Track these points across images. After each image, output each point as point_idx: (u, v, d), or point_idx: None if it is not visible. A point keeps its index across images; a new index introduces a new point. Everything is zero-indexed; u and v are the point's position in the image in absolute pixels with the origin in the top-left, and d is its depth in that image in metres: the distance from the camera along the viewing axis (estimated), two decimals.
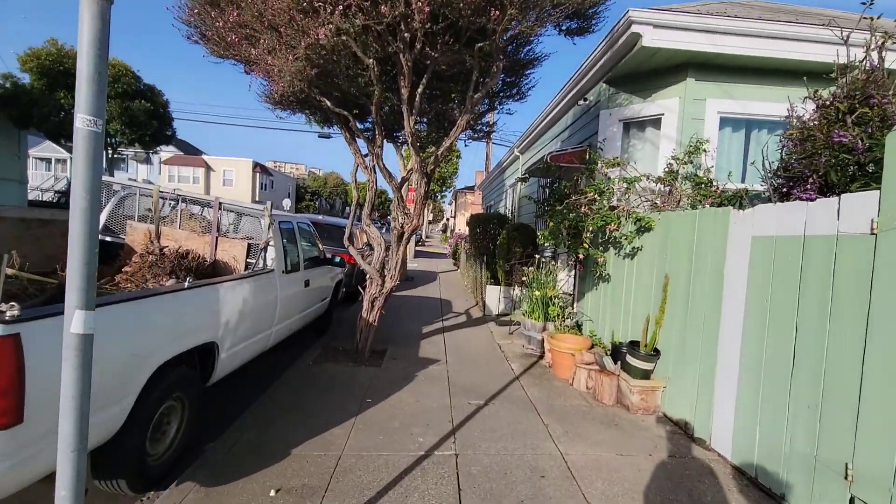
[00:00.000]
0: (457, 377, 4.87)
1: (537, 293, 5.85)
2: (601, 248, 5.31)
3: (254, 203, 6.73)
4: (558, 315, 5.68)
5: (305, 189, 58.56)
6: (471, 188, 46.32)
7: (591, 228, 4.93)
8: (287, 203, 38.40)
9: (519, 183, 11.57)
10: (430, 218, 53.97)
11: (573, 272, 6.74)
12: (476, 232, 10.05)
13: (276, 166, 79.78)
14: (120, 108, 16.44)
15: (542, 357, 5.75)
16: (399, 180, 5.28)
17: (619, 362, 4.46)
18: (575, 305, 6.56)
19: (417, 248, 29.40)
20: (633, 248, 4.83)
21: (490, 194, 18.40)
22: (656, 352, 4.15)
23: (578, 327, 5.99)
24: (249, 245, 4.42)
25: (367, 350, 5.37)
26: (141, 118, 16.82)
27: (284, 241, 4.86)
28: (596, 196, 5.06)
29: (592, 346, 5.11)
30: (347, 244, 5.56)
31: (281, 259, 4.59)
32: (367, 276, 5.32)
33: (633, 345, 4.30)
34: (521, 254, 8.24)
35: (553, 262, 7.55)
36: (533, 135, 9.96)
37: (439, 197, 43.18)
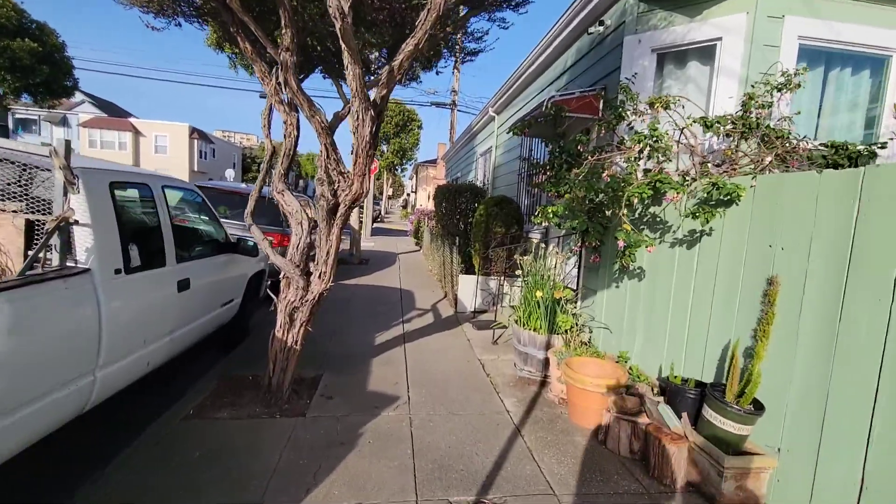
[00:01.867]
0: (426, 435, 3.08)
1: (539, 294, 4.10)
2: (642, 230, 3.59)
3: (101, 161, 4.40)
4: (572, 328, 3.97)
5: (253, 160, 54.13)
6: (433, 162, 44.01)
7: (633, 201, 3.19)
8: (230, 174, 34.76)
9: (494, 149, 9.74)
10: (390, 192, 51.43)
11: (577, 260, 5.04)
12: (443, 208, 8.18)
13: (224, 136, 73.55)
14: None
15: (544, 384, 4.06)
16: (330, 119, 3.30)
17: (682, 415, 2.81)
18: (579, 305, 4.88)
19: (375, 226, 27.18)
20: (693, 232, 3.15)
21: (456, 166, 16.48)
22: (757, 406, 2.51)
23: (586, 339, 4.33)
24: (33, 224, 2.35)
25: (286, 385, 3.48)
26: (25, 61, 13.44)
27: (126, 216, 2.82)
28: (643, 149, 3.31)
29: (625, 380, 3.43)
30: (249, 221, 3.57)
31: (112, 249, 2.56)
32: (282, 275, 3.37)
33: (717, 390, 2.64)
34: (502, 235, 6.47)
35: (544, 247, 5.84)
36: (514, 87, 8.09)
37: (399, 170, 40.73)
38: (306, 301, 3.29)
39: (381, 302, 7.00)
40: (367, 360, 4.48)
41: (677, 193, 2.94)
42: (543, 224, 4.23)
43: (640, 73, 4.29)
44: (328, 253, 3.20)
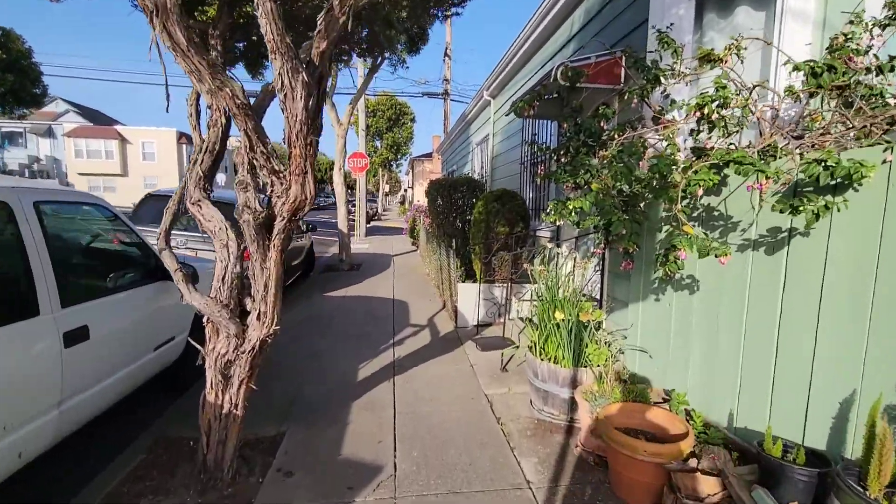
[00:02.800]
0: None
1: (559, 316, 3.19)
2: (698, 226, 2.66)
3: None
4: (607, 360, 3.06)
5: None
6: (428, 155, 42.92)
7: (697, 191, 2.26)
8: (221, 178, 33.86)
9: (491, 137, 8.79)
10: (387, 189, 50.46)
11: (599, 265, 4.13)
12: (437, 205, 7.26)
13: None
14: None
15: (570, 430, 3.16)
16: (257, 97, 2.38)
17: None
18: (604, 320, 3.96)
19: (371, 225, 26.25)
20: (776, 231, 2.24)
21: (451, 158, 15.53)
22: None
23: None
24: None
25: (226, 461, 2.58)
26: None
27: None
28: (706, 116, 2.38)
29: (691, 444, 2.51)
30: (161, 245, 2.67)
31: None
32: (205, 319, 2.46)
33: (851, 474, 1.73)
34: (506, 235, 5.56)
35: (556, 249, 4.93)
36: (512, 65, 7.12)
37: (395, 166, 39.74)
38: (243, 352, 2.39)
39: (371, 317, 6.09)
40: (347, 402, 3.58)
41: (767, 179, 2.00)
42: (557, 222, 3.31)
43: (677, 25, 3.34)
44: (266, 286, 2.29)
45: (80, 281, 2.71)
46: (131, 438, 3.04)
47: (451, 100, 21.46)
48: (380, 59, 8.96)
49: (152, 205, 6.02)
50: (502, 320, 5.60)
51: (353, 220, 18.38)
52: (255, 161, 2.10)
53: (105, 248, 3.31)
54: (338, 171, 9.85)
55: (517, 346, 4.40)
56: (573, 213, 2.97)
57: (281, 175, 2.11)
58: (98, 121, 39.31)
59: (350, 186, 40.45)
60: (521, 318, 4.59)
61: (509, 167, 7.57)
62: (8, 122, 36.71)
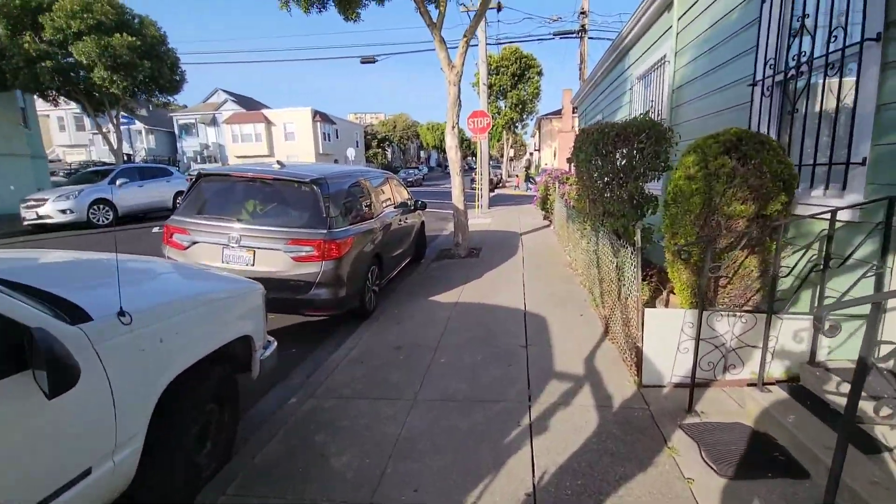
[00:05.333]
0: None
1: None
2: None
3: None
4: None
5: (374, 136, 54.70)
6: (557, 113, 38.55)
7: None
8: (351, 152, 34.74)
9: (672, 58, 5.70)
10: (511, 154, 47.39)
11: None
12: (592, 167, 4.62)
13: (357, 118, 76.21)
14: (98, 46, 12.79)
15: None
16: None
17: None
18: None
19: (495, 193, 23.96)
20: None
21: (593, 108, 12.29)
22: None
23: None
24: None
25: None
26: (125, 56, 13.08)
27: None
28: None
29: None
30: None
31: None
32: None
33: None
34: (748, 220, 2.82)
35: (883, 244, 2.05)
36: None
37: (520, 127, 36.50)
38: None
39: (492, 352, 3.92)
40: None
41: None
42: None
43: None
44: None
45: None
46: None
47: (590, 38, 17.64)
48: None
49: (208, 188, 4.57)
50: (735, 376, 2.99)
51: (476, 189, 16.32)
52: None
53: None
54: (451, 131, 7.71)
55: (808, 475, 1.78)
56: None
57: None
58: (250, 106, 43.44)
59: (470, 151, 38.45)
60: (793, 383, 1.93)
61: (717, 98, 4.55)
62: (182, 114, 42.64)
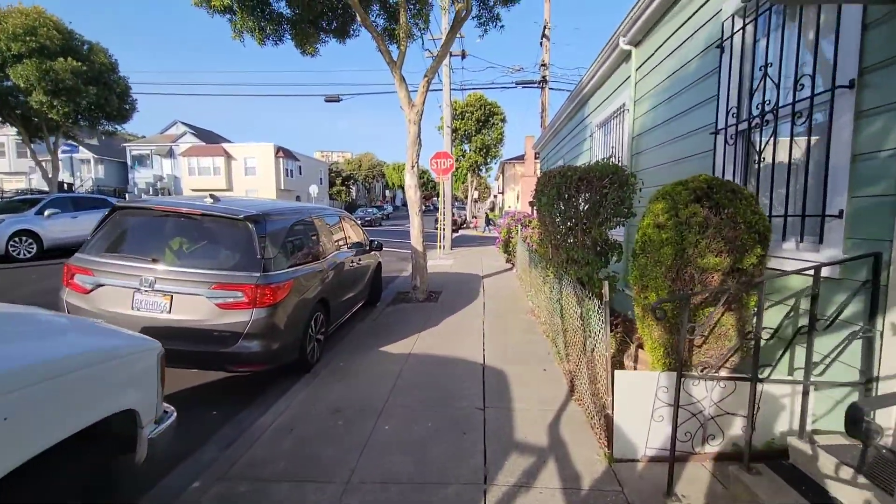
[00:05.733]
0: None
1: None
2: None
3: None
4: None
5: (339, 173, 54.45)
6: (520, 158, 39.72)
7: None
8: (314, 189, 34.14)
9: (632, 107, 5.73)
10: (476, 195, 48.17)
11: None
12: (555, 212, 4.39)
13: (323, 156, 75.69)
14: (38, 70, 11.99)
15: None
16: None
17: None
18: None
19: (458, 234, 23.90)
20: None
21: (555, 154, 12.50)
22: None
23: None
24: None
25: None
26: (68, 81, 12.29)
27: None
28: None
29: None
30: None
31: None
32: None
33: None
34: (723, 272, 2.56)
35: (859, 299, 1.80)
36: None
37: (484, 170, 37.26)
38: None
39: (446, 415, 3.44)
40: None
41: None
42: None
43: None
44: None
45: None
46: None
47: (551, 88, 18.38)
48: (465, 11, 6.41)
49: (123, 223, 3.98)
50: (715, 448, 2.65)
51: (440, 229, 16.08)
52: None
53: None
54: (410, 170, 7.44)
55: None
56: None
57: None
58: (210, 140, 42.39)
59: (434, 192, 38.63)
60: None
61: (679, 146, 4.49)
62: (137, 145, 41.04)
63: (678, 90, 4.53)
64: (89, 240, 3.89)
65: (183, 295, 3.58)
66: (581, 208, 4.06)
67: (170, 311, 3.58)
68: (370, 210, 41.32)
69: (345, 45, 8.13)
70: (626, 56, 5.93)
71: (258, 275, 3.69)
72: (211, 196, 4.19)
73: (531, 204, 5.81)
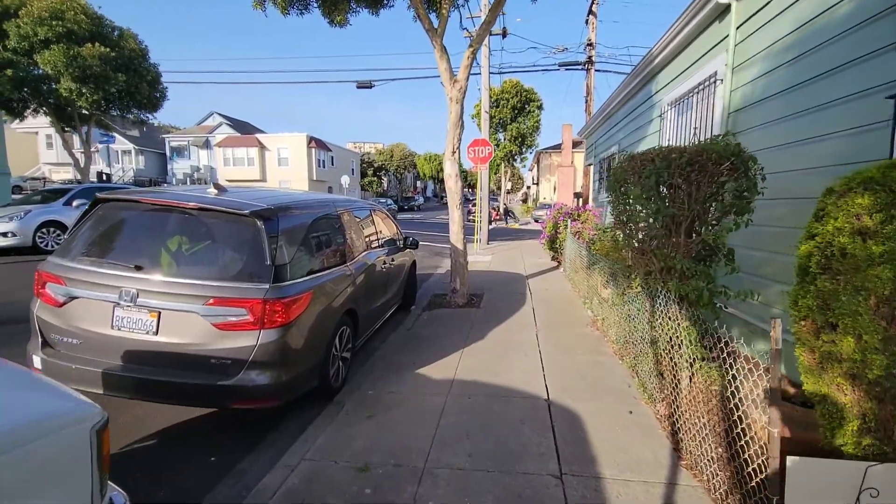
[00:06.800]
0: None
1: None
2: None
3: None
4: None
5: (370, 164, 54.07)
6: (556, 148, 37.99)
7: None
8: (346, 180, 33.81)
9: (728, 76, 4.59)
10: (509, 186, 46.75)
11: None
12: (651, 205, 3.37)
13: (356, 147, 75.48)
14: (65, 56, 11.72)
15: None
16: None
17: None
18: None
19: (494, 226, 22.76)
20: None
21: (607, 139, 11.28)
22: None
23: None
24: None
25: None
26: (96, 68, 11.99)
27: None
28: None
29: None
30: None
31: None
32: None
33: None
34: None
35: None
36: None
37: (518, 160, 35.87)
38: None
39: (505, 483, 2.54)
40: None
41: None
42: None
43: None
44: None
45: None
46: None
47: (597, 70, 16.96)
48: None
49: (106, 219, 3.23)
50: None
51: (474, 220, 15.11)
52: None
53: None
54: (450, 157, 6.51)
55: None
56: None
57: None
58: (245, 130, 42.71)
59: (466, 183, 37.59)
60: None
61: (808, 121, 3.38)
62: (175, 136, 41.81)
63: (814, 45, 3.39)
64: (66, 238, 3.18)
65: (172, 312, 2.81)
66: (688, 202, 3.04)
67: (156, 333, 2.82)
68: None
69: (377, 16, 7.24)
70: (723, 11, 4.77)
71: (267, 286, 2.89)
72: (215, 186, 3.39)
73: (576, 195, 4.85)
